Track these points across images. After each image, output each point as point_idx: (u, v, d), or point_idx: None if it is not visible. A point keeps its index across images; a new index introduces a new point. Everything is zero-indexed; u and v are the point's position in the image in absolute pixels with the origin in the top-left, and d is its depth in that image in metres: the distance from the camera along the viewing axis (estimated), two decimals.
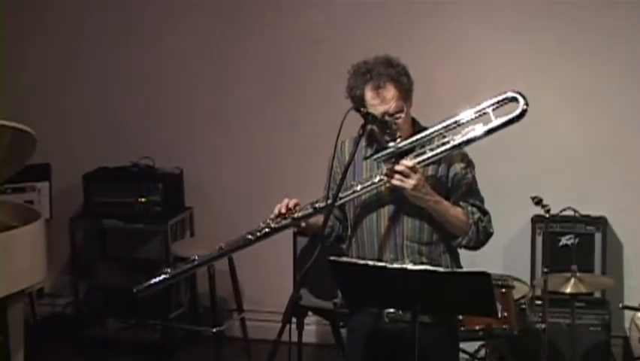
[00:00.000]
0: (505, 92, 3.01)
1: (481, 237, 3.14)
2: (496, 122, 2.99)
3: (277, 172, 5.32)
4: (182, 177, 5.54)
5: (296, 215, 3.17)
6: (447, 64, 5.04)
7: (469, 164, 3.17)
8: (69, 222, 5.48)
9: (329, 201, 3.05)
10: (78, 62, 5.66)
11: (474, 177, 3.17)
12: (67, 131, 5.67)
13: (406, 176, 2.97)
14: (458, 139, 3.02)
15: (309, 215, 3.17)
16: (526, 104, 2.97)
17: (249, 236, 3.23)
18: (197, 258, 3.34)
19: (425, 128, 3.10)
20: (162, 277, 3.32)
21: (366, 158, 3.16)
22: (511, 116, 2.97)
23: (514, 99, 3.00)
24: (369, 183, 3.07)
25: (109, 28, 5.58)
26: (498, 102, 3.01)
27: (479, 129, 3.00)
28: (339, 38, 5.15)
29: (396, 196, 3.10)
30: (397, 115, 3.05)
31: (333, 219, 3.26)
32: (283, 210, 3.17)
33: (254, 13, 5.35)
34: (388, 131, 3.03)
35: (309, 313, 4.68)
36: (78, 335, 5.42)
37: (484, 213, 3.16)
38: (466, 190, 3.14)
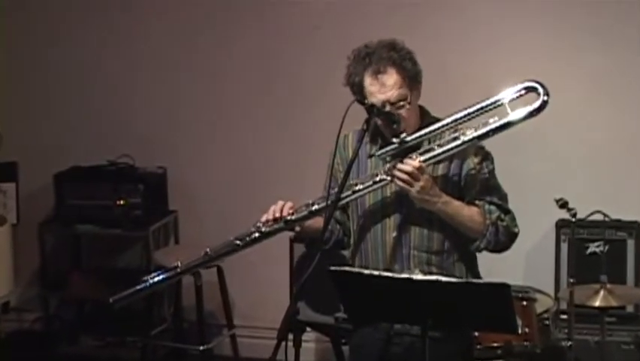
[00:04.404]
0: (523, 82, 3.00)
1: (502, 238, 3.11)
2: (513, 115, 2.98)
3: (270, 172, 5.33)
4: (165, 178, 5.55)
5: (289, 218, 3.14)
6: (460, 52, 5.03)
7: (486, 157, 3.14)
8: (38, 227, 5.51)
9: (328, 202, 3.04)
10: (48, 53, 5.66)
11: (491, 172, 3.15)
12: (36, 127, 5.67)
13: (412, 177, 2.95)
14: (470, 134, 3.01)
15: (304, 218, 3.15)
16: (547, 94, 2.97)
17: (237, 242, 3.23)
18: (179, 264, 3.35)
19: (437, 120, 3.09)
20: (142, 285, 3.33)
21: (370, 156, 3.15)
22: (530, 108, 2.97)
23: (533, 89, 2.99)
24: (370, 182, 3.06)
25: (83, 17, 5.58)
26: (515, 93, 3.01)
27: (494, 123, 2.99)
28: (340, 26, 5.15)
29: (403, 201, 3.10)
30: (400, 104, 3.03)
31: (333, 222, 3.24)
32: (277, 215, 3.15)
33: None
34: (395, 125, 3.02)
35: (308, 329, 4.71)
36: (48, 354, 5.43)
37: (506, 211, 3.13)
38: (481, 187, 3.11)
